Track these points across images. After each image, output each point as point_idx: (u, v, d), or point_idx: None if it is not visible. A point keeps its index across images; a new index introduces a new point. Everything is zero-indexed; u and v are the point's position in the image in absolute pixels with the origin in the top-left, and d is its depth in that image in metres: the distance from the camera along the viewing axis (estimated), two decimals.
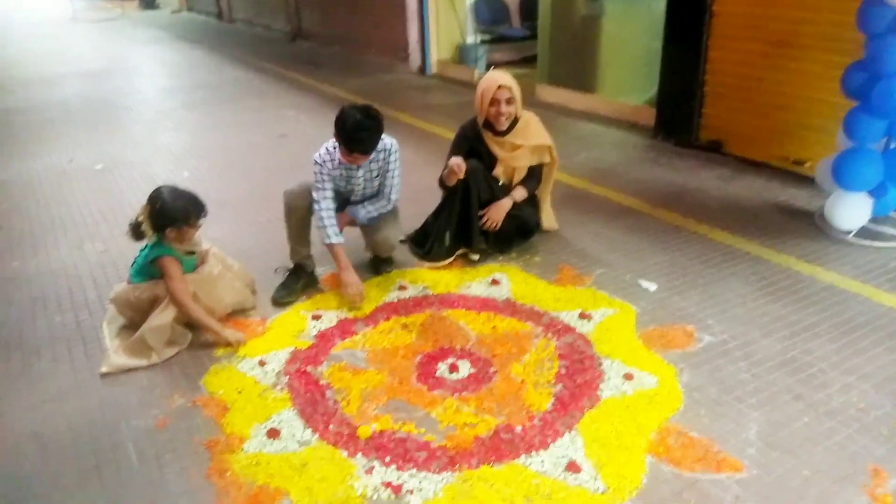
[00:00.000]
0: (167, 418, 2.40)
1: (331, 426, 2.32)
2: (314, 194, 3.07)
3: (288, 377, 2.59)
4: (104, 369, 2.66)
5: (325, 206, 3.06)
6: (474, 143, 3.46)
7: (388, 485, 2.06)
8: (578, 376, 2.54)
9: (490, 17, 8.68)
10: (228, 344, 2.77)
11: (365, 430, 2.28)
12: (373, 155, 3.08)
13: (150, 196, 2.81)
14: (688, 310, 2.96)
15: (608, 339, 2.76)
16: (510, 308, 3.03)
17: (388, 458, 2.17)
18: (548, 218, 3.76)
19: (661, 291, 3.13)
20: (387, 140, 3.13)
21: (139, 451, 2.25)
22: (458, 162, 3.23)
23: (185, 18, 17.13)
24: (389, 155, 3.14)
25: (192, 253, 2.94)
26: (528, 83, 6.99)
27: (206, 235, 3.08)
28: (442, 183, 3.39)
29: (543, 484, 2.04)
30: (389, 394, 2.48)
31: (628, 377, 2.52)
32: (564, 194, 4.37)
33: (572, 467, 2.09)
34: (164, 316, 2.73)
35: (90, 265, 3.57)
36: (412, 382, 2.54)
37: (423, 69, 8.69)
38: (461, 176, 3.25)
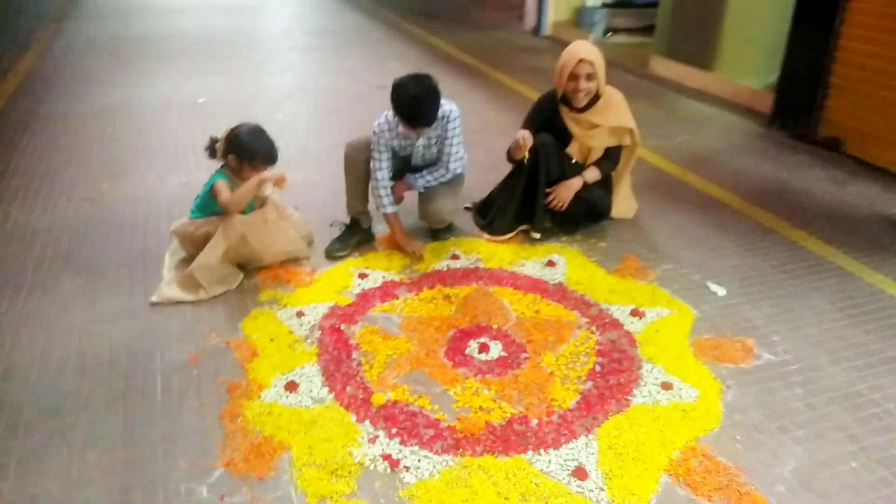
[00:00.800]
0: (199, 355, 2.47)
1: (348, 388, 2.31)
2: (371, 163, 3.04)
3: (321, 332, 2.60)
4: (154, 299, 2.78)
5: (381, 175, 3.04)
6: (550, 117, 3.28)
7: (386, 457, 2.03)
8: (612, 377, 2.39)
9: None
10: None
11: (379, 398, 2.25)
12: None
13: (234, 130, 2.88)
14: (754, 322, 2.72)
15: (656, 342, 2.58)
16: (560, 293, 2.89)
17: (394, 430, 2.13)
18: (622, 205, 3.53)
19: (730, 297, 2.89)
20: (446, 106, 3.01)
21: (166, 383, 2.33)
22: (525, 135, 3.08)
23: None
24: (448, 122, 3.02)
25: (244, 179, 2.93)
26: (643, 53, 6.65)
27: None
28: (510, 155, 3.25)
29: (544, 485, 1.95)
30: (413, 364, 2.44)
31: (667, 386, 2.34)
32: (652, 178, 4.11)
33: (579, 473, 1.98)
34: (212, 254, 2.80)
35: (169, 197, 3.72)
36: (439, 356, 2.48)
37: (537, 30, 8.40)
38: (526, 151, 3.10)
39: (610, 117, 3.21)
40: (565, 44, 3.40)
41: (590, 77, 3.09)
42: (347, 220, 3.25)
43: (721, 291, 2.93)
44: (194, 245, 2.93)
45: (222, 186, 2.86)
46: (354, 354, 2.48)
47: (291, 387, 2.30)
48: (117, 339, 2.56)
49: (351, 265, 3.08)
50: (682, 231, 3.47)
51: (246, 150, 2.86)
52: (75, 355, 2.46)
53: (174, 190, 3.81)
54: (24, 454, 2.03)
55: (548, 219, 3.36)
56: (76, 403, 2.23)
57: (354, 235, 3.21)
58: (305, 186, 3.77)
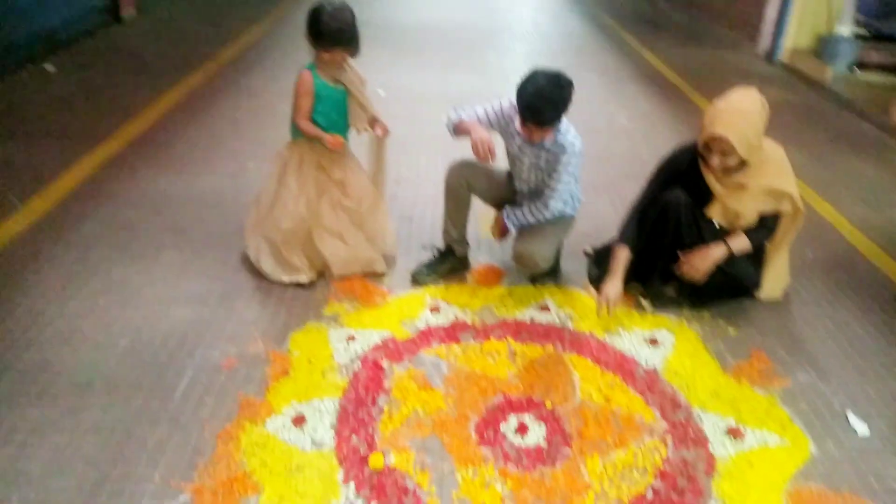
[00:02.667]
0: (236, 360, 2.40)
1: (354, 437, 2.09)
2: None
3: (361, 364, 2.41)
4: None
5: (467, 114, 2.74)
6: (687, 173, 2.73)
7: None
8: None
9: (879, 7, 6.97)
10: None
11: (378, 460, 2.01)
12: (549, 142, 2.63)
13: (314, 6, 2.64)
14: (891, 482, 2.05)
15: (741, 478, 2.03)
16: (648, 382, 2.42)
17: None
18: (773, 284, 2.89)
19: (871, 439, 2.22)
20: (570, 136, 2.63)
21: (191, 384, 2.29)
22: (614, 299, 2.64)
23: None
24: (563, 154, 2.62)
25: (340, 84, 2.75)
26: (888, 99, 5.55)
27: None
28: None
29: None
30: (435, 428, 2.15)
31: None
32: (835, 254, 3.38)
33: None
34: (275, 226, 2.78)
35: None
36: (468, 425, 2.17)
37: (770, 55, 7.42)
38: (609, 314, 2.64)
39: (763, 178, 2.61)
40: (800, 75, 2.82)
41: (724, 154, 2.53)
42: (442, 246, 3.01)
43: (862, 428, 2.26)
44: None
45: (302, 88, 2.65)
46: (381, 399, 2.26)
47: (299, 420, 2.14)
48: (176, 323, 2.58)
49: (430, 294, 2.85)
50: (844, 334, 2.76)
51: (313, 28, 2.58)
52: (132, 333, 2.52)
53: None
54: (36, 425, 2.09)
55: (671, 287, 2.85)
56: (105, 384, 2.27)
57: (445, 263, 2.97)
58: (418, 199, 3.59)
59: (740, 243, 2.69)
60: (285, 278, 2.82)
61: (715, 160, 2.55)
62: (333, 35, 2.59)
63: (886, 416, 2.33)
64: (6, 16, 5.30)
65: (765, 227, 2.73)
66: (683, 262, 2.72)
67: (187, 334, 2.53)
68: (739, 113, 2.53)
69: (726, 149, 2.51)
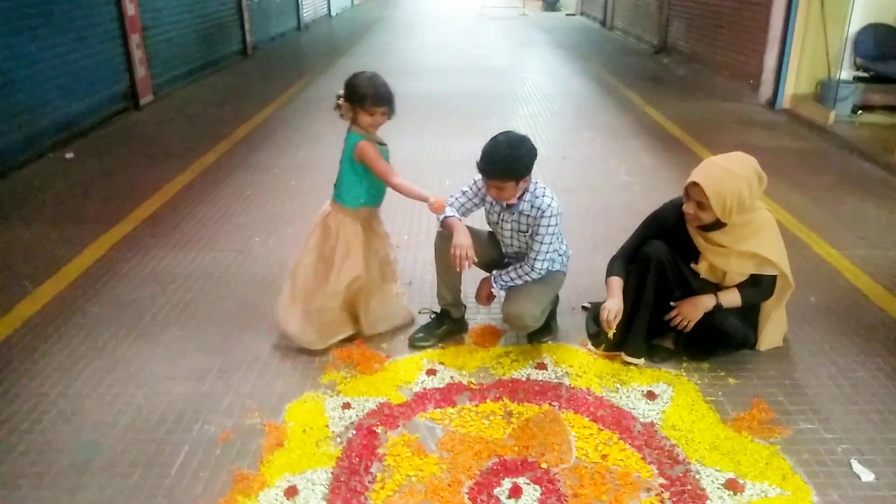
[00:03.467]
0: (231, 434, 2.43)
1: None
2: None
3: (355, 432, 2.42)
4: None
5: (451, 200, 2.87)
6: (672, 230, 2.76)
7: None
8: None
9: (876, 50, 7.03)
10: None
11: None
12: (525, 206, 2.69)
13: (350, 80, 2.82)
14: None
15: None
16: (645, 437, 2.39)
17: None
18: (771, 335, 2.86)
19: (877, 486, 2.16)
20: (547, 199, 2.68)
21: (188, 458, 2.31)
22: (611, 311, 2.67)
23: (575, 22, 17.57)
24: (542, 217, 2.67)
25: (384, 144, 2.90)
26: (892, 139, 5.55)
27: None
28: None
29: None
30: (428, 494, 2.14)
31: None
32: (837, 297, 3.35)
33: None
34: (334, 288, 2.86)
35: None
36: (460, 491, 2.15)
37: (772, 102, 7.49)
38: (613, 329, 2.68)
39: (744, 244, 2.61)
40: (802, 121, 2.85)
41: (700, 206, 2.55)
42: (439, 310, 3.04)
43: (867, 476, 2.20)
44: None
45: (373, 153, 2.77)
46: (374, 467, 2.26)
47: (291, 492, 2.15)
48: (175, 399, 2.63)
49: (426, 357, 2.87)
50: (847, 378, 2.71)
51: (356, 92, 2.76)
52: (133, 411, 2.57)
53: None
54: None
55: (668, 339, 2.84)
56: (103, 462, 2.30)
57: (442, 325, 3.00)
58: (417, 263, 3.65)
59: (731, 297, 2.69)
60: (331, 341, 2.91)
61: (689, 208, 2.57)
62: (378, 96, 2.77)
63: (893, 462, 2.26)
64: (32, 107, 5.61)
65: (758, 286, 2.71)
66: (675, 309, 2.72)
67: (186, 410, 2.57)
68: (726, 171, 2.54)
69: (702, 201, 2.54)
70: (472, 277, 3.09)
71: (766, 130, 6.67)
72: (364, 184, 2.86)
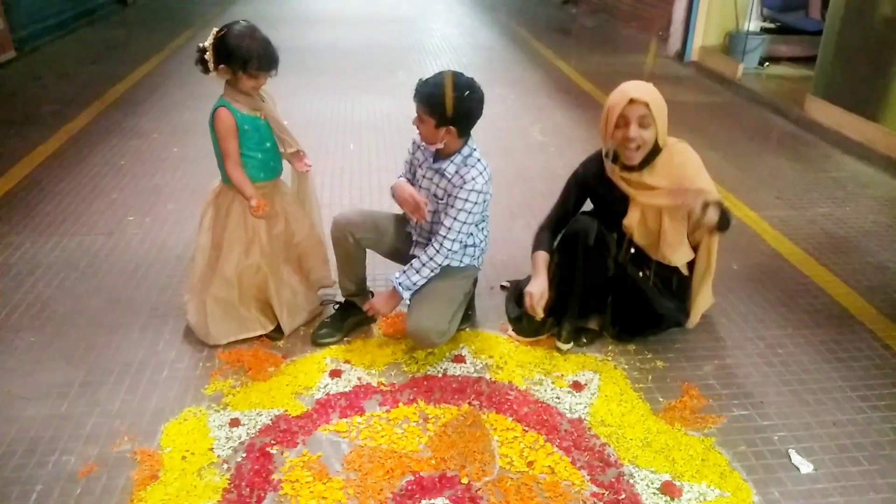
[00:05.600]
0: (95, 465, 2.04)
1: None
2: None
3: (245, 455, 2.08)
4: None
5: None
6: (595, 187, 2.52)
7: None
8: None
9: (781, 2, 7.03)
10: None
11: None
12: (450, 170, 2.38)
13: (221, 31, 2.34)
14: None
15: None
16: (574, 436, 2.17)
17: None
18: (699, 312, 2.66)
19: (816, 480, 2.03)
20: (475, 171, 2.36)
21: (40, 500, 1.92)
22: (535, 295, 2.41)
23: None
24: (461, 188, 2.35)
25: (258, 113, 2.46)
26: (801, 92, 5.54)
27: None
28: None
29: None
30: None
31: None
32: (761, 265, 3.22)
33: None
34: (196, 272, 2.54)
35: (187, 242, 3.37)
36: None
37: (681, 55, 7.41)
38: (540, 312, 2.42)
39: (674, 175, 2.36)
40: (711, 73, 2.61)
41: (643, 123, 2.28)
42: (342, 299, 2.71)
43: (806, 467, 2.06)
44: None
45: (224, 127, 2.37)
46: (268, 498, 1.93)
47: None
48: (27, 424, 2.19)
49: (329, 355, 2.54)
50: (778, 356, 2.58)
51: (236, 54, 2.29)
52: None
53: (192, 234, 3.45)
54: None
55: (593, 320, 2.62)
56: None
57: (348, 318, 2.66)
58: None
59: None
60: (240, 336, 2.55)
61: (633, 130, 2.29)
62: (266, 57, 2.33)
63: (829, 448, 2.14)
64: None
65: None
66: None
67: (40, 437, 2.15)
68: (645, 85, 2.33)
69: (645, 114, 2.27)
70: (377, 261, 2.77)
71: (675, 84, 6.57)
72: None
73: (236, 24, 2.34)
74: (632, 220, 2.45)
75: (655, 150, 2.37)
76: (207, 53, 2.32)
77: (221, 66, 2.33)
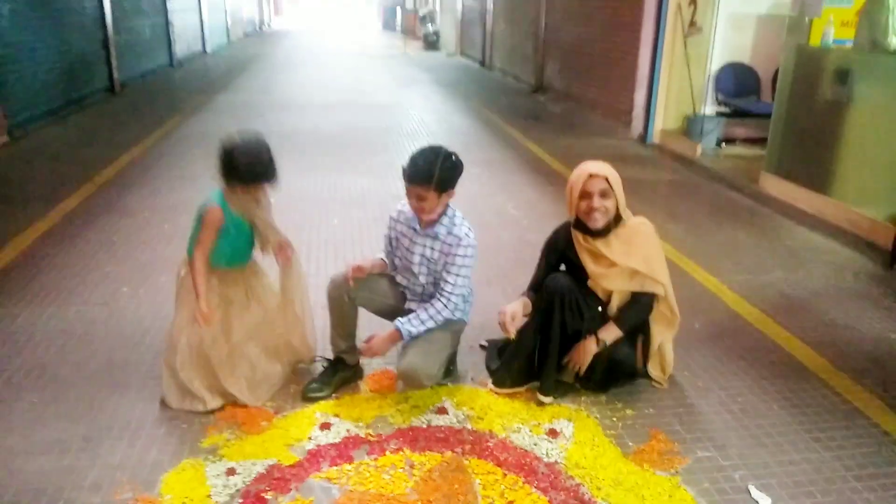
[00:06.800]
0: None
1: None
2: None
3: (241, 500, 2.20)
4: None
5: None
6: (564, 250, 2.79)
7: None
8: None
9: (735, 88, 7.60)
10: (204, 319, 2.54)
11: None
12: (442, 232, 2.65)
13: (226, 141, 2.52)
14: None
15: None
16: (550, 478, 2.32)
17: None
18: (658, 367, 2.89)
19: None
20: (465, 228, 2.68)
21: None
22: (509, 313, 2.65)
23: (455, 62, 17.92)
24: (459, 246, 2.63)
25: (252, 224, 2.65)
26: (755, 169, 5.96)
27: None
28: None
29: None
30: None
31: None
32: (720, 323, 3.46)
33: None
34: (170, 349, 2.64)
35: None
36: None
37: (644, 137, 7.90)
38: (512, 331, 2.66)
39: (632, 253, 2.65)
40: (671, 154, 2.95)
41: (604, 194, 2.60)
42: (331, 356, 2.88)
43: (764, 501, 2.23)
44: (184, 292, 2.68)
45: (210, 225, 2.52)
46: None
47: None
48: (31, 476, 2.30)
49: (319, 410, 2.69)
50: (738, 404, 2.78)
51: (229, 167, 2.49)
52: None
53: None
54: None
55: (567, 373, 2.82)
56: None
57: (336, 374, 2.83)
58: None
59: (611, 332, 2.69)
60: (186, 406, 2.64)
61: (596, 201, 2.59)
62: (254, 173, 2.52)
63: (786, 484, 2.32)
64: None
65: (639, 306, 2.74)
66: (567, 358, 2.72)
67: (44, 489, 2.25)
68: (601, 163, 2.67)
69: (605, 188, 2.59)
70: (367, 320, 2.95)
71: (639, 164, 6.99)
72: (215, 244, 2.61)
73: (240, 139, 2.54)
74: (594, 285, 2.73)
75: (617, 218, 2.66)
76: (218, 167, 2.54)
77: (221, 178, 2.55)
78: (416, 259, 2.73)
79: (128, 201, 5.37)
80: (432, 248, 2.70)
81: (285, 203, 5.21)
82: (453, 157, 2.62)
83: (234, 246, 2.67)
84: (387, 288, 2.83)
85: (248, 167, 2.50)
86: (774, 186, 5.63)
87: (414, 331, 2.63)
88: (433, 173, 2.54)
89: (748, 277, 4.04)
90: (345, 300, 2.73)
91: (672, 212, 5.25)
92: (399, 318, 2.68)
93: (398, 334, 2.64)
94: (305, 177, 6.12)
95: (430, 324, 2.66)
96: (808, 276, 4.10)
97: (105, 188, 5.72)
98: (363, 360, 2.94)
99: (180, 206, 5.24)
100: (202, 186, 5.67)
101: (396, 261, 2.84)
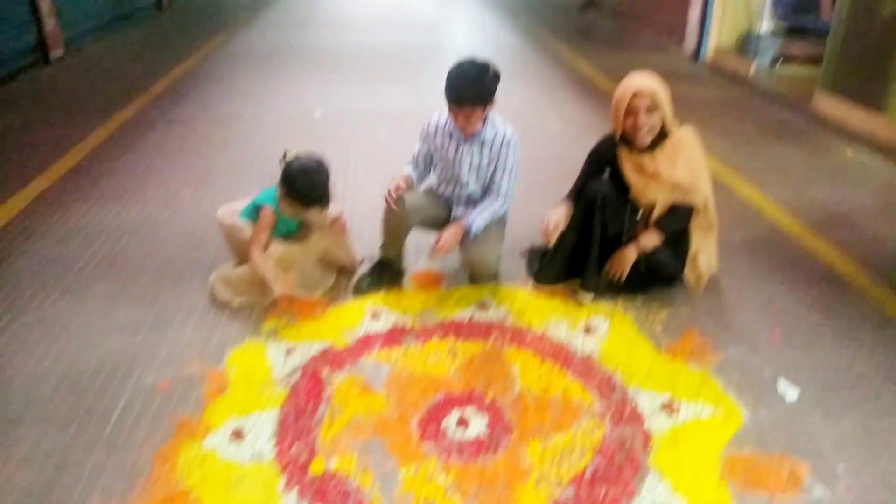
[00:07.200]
0: (171, 382, 2.37)
1: (294, 446, 2.08)
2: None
3: (300, 375, 2.40)
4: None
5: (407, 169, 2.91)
6: (610, 160, 2.84)
7: None
8: (602, 486, 1.95)
9: (793, 4, 7.28)
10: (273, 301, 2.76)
11: (319, 465, 2.00)
12: (489, 135, 2.74)
13: (290, 162, 2.80)
14: (820, 442, 2.12)
15: (677, 449, 2.08)
16: (585, 367, 2.46)
17: None
18: (697, 273, 2.95)
19: (801, 403, 2.30)
20: (507, 130, 2.78)
21: (127, 408, 2.25)
22: (552, 221, 2.77)
23: None
24: (506, 146, 2.76)
25: (300, 224, 2.93)
26: (809, 88, 5.79)
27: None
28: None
29: None
30: (376, 430, 2.15)
31: None
32: (761, 235, 3.49)
33: None
34: (234, 271, 2.83)
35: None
36: (409, 424, 2.18)
37: (696, 55, 7.69)
38: (554, 238, 2.79)
39: (677, 165, 2.69)
40: (725, 73, 2.95)
41: (650, 109, 2.62)
42: (378, 258, 3.03)
43: (791, 395, 2.33)
44: (232, 244, 2.92)
45: (264, 222, 2.78)
46: (322, 407, 2.25)
47: (238, 435, 2.12)
48: (109, 352, 2.53)
49: (369, 302, 2.86)
50: (774, 308, 2.85)
51: (290, 187, 2.75)
52: (65, 364, 2.46)
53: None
54: None
55: (597, 281, 2.91)
56: (37, 416, 2.21)
57: (384, 273, 2.99)
58: (355, 214, 3.59)
59: (651, 239, 2.76)
60: (243, 301, 2.82)
61: (642, 118, 2.62)
62: (307, 199, 2.76)
63: (815, 381, 2.41)
64: None
65: (677, 217, 2.79)
66: (607, 267, 2.80)
67: (121, 362, 2.48)
68: (647, 78, 2.68)
69: (650, 104, 2.60)
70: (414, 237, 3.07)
71: (690, 82, 6.84)
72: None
73: (303, 160, 2.77)
74: (636, 199, 2.80)
75: (663, 134, 2.68)
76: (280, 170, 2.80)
77: (280, 186, 2.78)
78: (465, 168, 2.82)
79: (180, 112, 5.54)
80: (480, 154, 2.79)
81: (333, 118, 5.35)
82: (493, 71, 2.65)
83: (283, 231, 2.90)
84: (432, 201, 2.94)
85: (303, 194, 2.74)
86: (828, 105, 5.48)
87: (479, 225, 2.77)
88: (481, 93, 2.60)
89: (793, 193, 4.02)
90: (404, 224, 2.86)
91: (721, 129, 5.18)
92: (466, 219, 2.80)
93: (463, 231, 2.77)
94: (353, 93, 6.18)
95: (488, 216, 2.81)
96: (855, 193, 4.06)
97: (158, 99, 5.90)
98: (406, 263, 3.08)
99: (232, 115, 5.40)
100: (250, 98, 5.84)
101: (436, 174, 2.93)
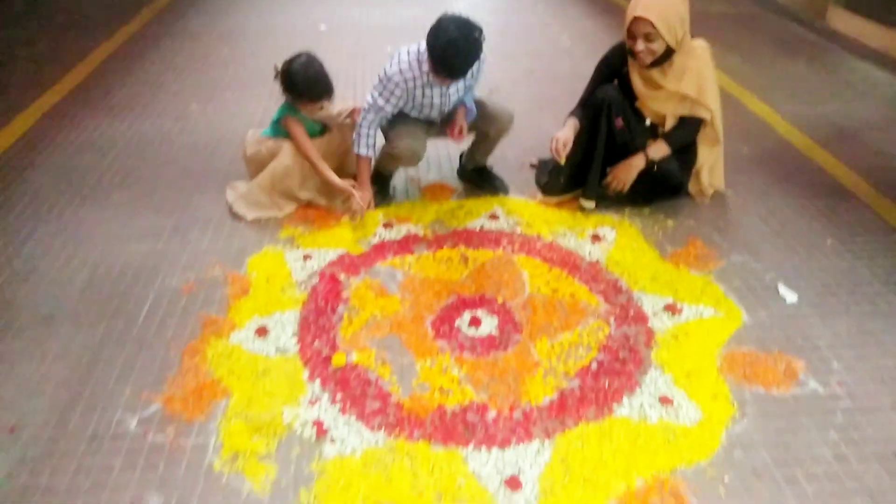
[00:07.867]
0: (195, 285, 2.47)
1: (316, 342, 2.20)
2: (366, 112, 2.73)
3: (318, 279, 2.50)
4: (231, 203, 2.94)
5: (373, 118, 2.73)
6: (619, 68, 2.85)
7: (317, 424, 1.90)
8: (606, 378, 2.07)
9: None
10: (350, 209, 2.84)
11: (340, 359, 2.12)
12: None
13: (288, 59, 2.80)
14: (816, 340, 2.23)
15: (678, 346, 2.19)
16: (592, 272, 2.55)
17: (339, 396, 2.00)
18: (700, 186, 3.00)
19: (800, 306, 2.39)
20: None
21: (153, 308, 2.36)
22: (561, 140, 2.74)
23: None
24: (481, 62, 2.72)
25: (322, 127, 2.97)
26: (823, 3, 5.67)
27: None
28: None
29: (468, 488, 1.73)
30: (393, 328, 2.27)
31: (665, 401, 1.99)
32: (768, 149, 3.52)
33: (512, 483, 1.74)
34: (257, 181, 2.88)
35: (249, 124, 3.69)
36: (424, 323, 2.29)
37: None
38: (563, 158, 2.76)
39: (684, 79, 2.69)
40: None
41: (649, 38, 2.58)
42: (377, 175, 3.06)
43: (791, 297, 2.43)
44: (255, 164, 2.95)
45: (297, 132, 2.83)
46: (340, 308, 2.36)
47: (262, 332, 2.23)
48: (133, 257, 2.63)
49: (382, 212, 2.93)
50: (777, 218, 2.92)
51: (299, 89, 2.77)
52: (90, 268, 2.56)
53: (257, 118, 3.80)
54: (2, 357, 2.14)
55: (598, 189, 2.96)
56: (67, 314, 2.32)
57: (390, 183, 3.05)
58: None
59: (659, 150, 2.80)
60: (259, 214, 2.88)
61: (639, 45, 2.61)
62: (313, 92, 2.77)
63: (814, 285, 2.50)
64: None
65: (686, 129, 2.82)
66: (610, 175, 2.84)
67: (144, 266, 2.58)
68: (652, 1, 2.57)
69: (650, 32, 2.57)
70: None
71: None
72: None
73: (296, 61, 2.77)
74: (644, 109, 2.83)
75: (669, 52, 2.65)
76: (279, 80, 2.80)
77: (286, 94, 2.80)
78: (451, 101, 2.80)
79: (186, 25, 5.47)
80: (457, 87, 2.76)
81: (339, 32, 5.27)
82: (477, 28, 2.49)
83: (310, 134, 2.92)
84: (421, 127, 2.88)
85: (310, 86, 2.76)
86: (841, 20, 5.38)
87: (470, 104, 2.85)
88: (473, 61, 2.53)
89: (802, 107, 4.02)
90: (415, 157, 2.88)
91: (731, 44, 5.11)
92: (458, 116, 2.83)
93: (465, 111, 2.84)
94: (359, 5, 6.07)
95: (475, 98, 2.88)
96: (865, 108, 4.06)
97: (163, 13, 5.82)
98: (419, 174, 3.14)
99: (236, 30, 5.34)
100: (258, 11, 5.75)
101: (415, 111, 2.83)
